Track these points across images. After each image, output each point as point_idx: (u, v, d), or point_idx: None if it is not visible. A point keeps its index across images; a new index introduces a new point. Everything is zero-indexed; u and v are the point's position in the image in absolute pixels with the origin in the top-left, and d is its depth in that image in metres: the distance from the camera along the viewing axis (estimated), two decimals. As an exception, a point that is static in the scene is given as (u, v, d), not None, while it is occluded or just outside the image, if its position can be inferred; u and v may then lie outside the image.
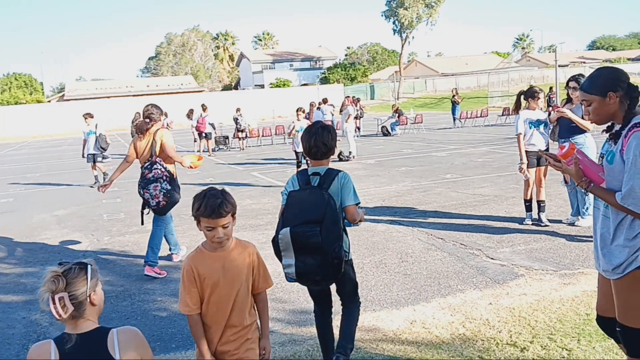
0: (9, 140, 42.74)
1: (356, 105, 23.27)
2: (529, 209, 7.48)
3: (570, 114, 6.91)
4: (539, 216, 7.38)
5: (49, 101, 63.72)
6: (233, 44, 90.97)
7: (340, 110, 20.40)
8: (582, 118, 6.92)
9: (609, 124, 2.94)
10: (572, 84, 7.07)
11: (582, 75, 7.10)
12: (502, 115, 27.78)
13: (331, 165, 3.61)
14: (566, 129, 7.09)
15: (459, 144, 18.66)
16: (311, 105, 20.38)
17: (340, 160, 15.81)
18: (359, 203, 3.50)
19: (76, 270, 2.09)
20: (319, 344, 3.87)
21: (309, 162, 3.63)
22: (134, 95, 56.55)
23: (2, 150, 32.22)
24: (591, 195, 2.95)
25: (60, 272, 2.05)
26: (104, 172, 14.18)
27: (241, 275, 2.84)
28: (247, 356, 2.85)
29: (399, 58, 66.50)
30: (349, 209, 3.41)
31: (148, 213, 6.50)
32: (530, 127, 7.21)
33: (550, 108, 7.76)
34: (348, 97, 19.45)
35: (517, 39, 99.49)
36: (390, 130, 24.50)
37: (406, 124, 25.28)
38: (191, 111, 21.98)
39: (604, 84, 2.82)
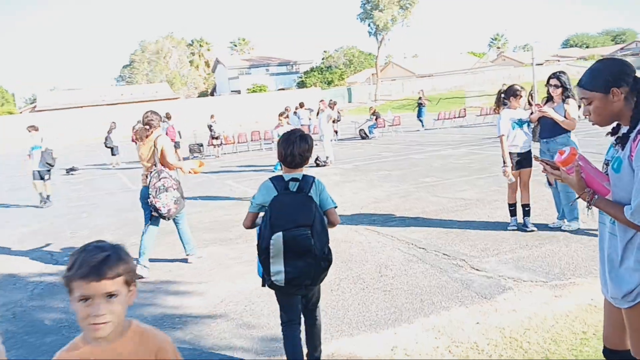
0: (-21, 154, 41.57)
1: (333, 109, 22.86)
2: (513, 213, 7.10)
3: (553, 113, 6.56)
4: (524, 221, 7.01)
5: (21, 112, 62.38)
6: (208, 50, 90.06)
7: (317, 114, 19.95)
8: (565, 117, 6.58)
9: (614, 125, 2.52)
10: (553, 81, 6.69)
11: (563, 73, 6.76)
12: (480, 115, 27.61)
13: (307, 171, 3.62)
14: (547, 129, 6.74)
15: (437, 146, 18.34)
16: (287, 109, 19.95)
17: (317, 165, 15.37)
18: (337, 207, 3.56)
19: None
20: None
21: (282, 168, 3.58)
22: (108, 105, 55.63)
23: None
24: (595, 210, 2.53)
25: None
26: (39, 193, 12.75)
27: None
28: None
29: (376, 60, 66.32)
30: (331, 212, 3.49)
31: (155, 217, 6.60)
32: (513, 128, 6.84)
33: (531, 107, 7.38)
34: (322, 100, 18.96)
35: (492, 38, 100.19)
36: (368, 133, 24.14)
37: (384, 126, 24.93)
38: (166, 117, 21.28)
39: (606, 78, 2.38)
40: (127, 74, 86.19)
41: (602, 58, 2.62)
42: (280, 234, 3.24)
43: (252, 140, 23.28)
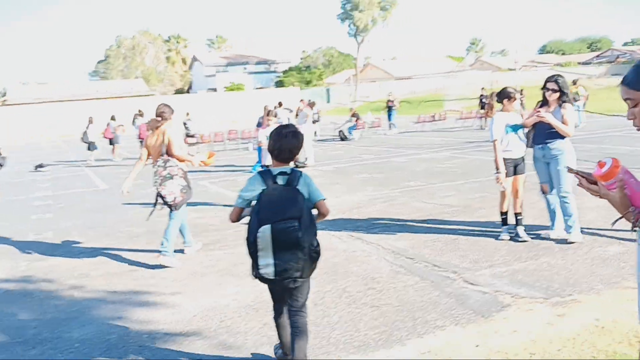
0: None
1: (312, 109, 22.43)
2: (505, 222, 6.75)
3: (552, 118, 6.20)
4: (516, 230, 6.66)
5: (-10, 106, 60.69)
6: (185, 47, 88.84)
7: (296, 114, 19.52)
8: (562, 122, 6.24)
9: None
10: (550, 85, 6.32)
11: (561, 76, 6.42)
12: (460, 118, 27.44)
13: None
14: (543, 134, 6.37)
15: (418, 149, 18.02)
16: (265, 109, 19.52)
17: (296, 167, 14.89)
18: (325, 199, 3.58)
19: None
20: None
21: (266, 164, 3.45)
22: (81, 100, 54.41)
23: None
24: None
25: None
26: None
27: None
28: None
29: (355, 62, 66.10)
30: (322, 203, 3.54)
31: (161, 209, 6.57)
32: (507, 132, 6.49)
33: (524, 111, 7.02)
34: (303, 100, 18.55)
35: (470, 43, 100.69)
36: (347, 135, 23.77)
37: (364, 127, 24.58)
38: (137, 115, 20.67)
39: None
40: (102, 69, 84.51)
41: None
42: (268, 226, 3.22)
43: (229, 140, 22.72)
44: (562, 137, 6.31)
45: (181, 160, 6.56)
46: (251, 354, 4.13)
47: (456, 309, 4.68)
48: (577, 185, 2.28)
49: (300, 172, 3.48)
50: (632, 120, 2.14)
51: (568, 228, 6.34)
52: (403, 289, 5.24)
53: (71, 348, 4.46)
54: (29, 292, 5.99)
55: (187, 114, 22.01)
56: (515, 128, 6.49)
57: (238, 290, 5.53)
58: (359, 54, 64.92)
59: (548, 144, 6.35)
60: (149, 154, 6.70)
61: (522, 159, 6.64)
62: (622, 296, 4.72)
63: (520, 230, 6.63)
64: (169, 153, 6.48)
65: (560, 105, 6.32)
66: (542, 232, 6.75)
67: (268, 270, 3.31)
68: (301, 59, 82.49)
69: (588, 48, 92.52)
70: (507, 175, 6.51)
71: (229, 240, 7.56)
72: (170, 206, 6.47)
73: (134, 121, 20.31)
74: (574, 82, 21.56)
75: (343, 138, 23.77)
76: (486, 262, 5.89)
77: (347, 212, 8.86)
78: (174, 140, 6.51)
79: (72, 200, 12.31)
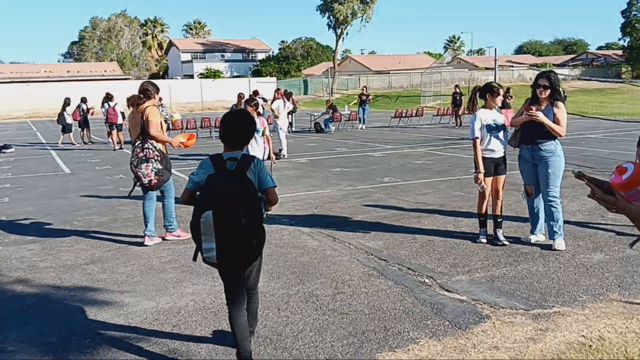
0: None
1: (288, 100, 21.93)
2: (483, 224, 6.42)
3: (544, 117, 5.85)
4: (495, 233, 6.34)
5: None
6: (162, 31, 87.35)
7: (271, 103, 19.01)
8: (554, 122, 5.90)
9: None
10: (542, 81, 5.93)
11: (553, 72, 6.08)
12: (437, 115, 27.24)
13: None
14: (532, 134, 6.00)
15: (395, 144, 17.70)
16: (239, 97, 19.03)
17: (269, 158, 14.44)
18: (276, 186, 3.54)
19: None
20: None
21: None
22: (53, 81, 53.05)
23: None
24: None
25: None
26: None
27: None
28: None
29: (334, 54, 65.58)
30: (270, 191, 3.48)
31: (140, 186, 6.50)
32: (488, 131, 6.15)
33: (507, 110, 6.69)
34: (279, 89, 18.06)
35: (448, 40, 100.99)
36: (323, 127, 23.36)
37: (340, 120, 24.20)
38: (106, 98, 19.89)
39: None
40: (76, 50, 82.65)
41: None
42: (210, 212, 3.20)
43: (201, 127, 22.11)
44: (554, 138, 5.98)
45: (158, 141, 6.39)
46: (206, 365, 3.71)
47: (431, 319, 4.32)
48: (588, 196, 1.91)
49: (254, 157, 3.46)
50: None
51: (553, 234, 6.01)
52: (375, 294, 4.87)
53: (3, 352, 3.99)
54: (-33, 285, 5.46)
55: (160, 99, 21.32)
56: (496, 130, 6.13)
57: (197, 289, 5.10)
58: (338, 47, 64.36)
59: (539, 145, 5.99)
60: (130, 131, 6.65)
61: (503, 158, 6.31)
62: (607, 309, 4.42)
63: (499, 233, 6.31)
64: (146, 132, 6.31)
65: (552, 104, 5.99)
66: (522, 237, 6.44)
67: (210, 255, 3.29)
68: (280, 49, 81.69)
69: (564, 50, 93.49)
70: (487, 175, 6.17)
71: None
72: (147, 188, 6.43)
73: (102, 104, 19.57)
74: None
75: (319, 130, 23.35)
76: (463, 266, 5.55)
77: (320, 207, 8.46)
78: (152, 120, 6.30)
79: (32, 184, 11.69)
